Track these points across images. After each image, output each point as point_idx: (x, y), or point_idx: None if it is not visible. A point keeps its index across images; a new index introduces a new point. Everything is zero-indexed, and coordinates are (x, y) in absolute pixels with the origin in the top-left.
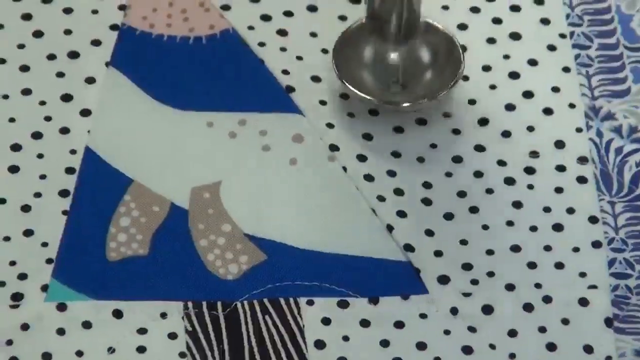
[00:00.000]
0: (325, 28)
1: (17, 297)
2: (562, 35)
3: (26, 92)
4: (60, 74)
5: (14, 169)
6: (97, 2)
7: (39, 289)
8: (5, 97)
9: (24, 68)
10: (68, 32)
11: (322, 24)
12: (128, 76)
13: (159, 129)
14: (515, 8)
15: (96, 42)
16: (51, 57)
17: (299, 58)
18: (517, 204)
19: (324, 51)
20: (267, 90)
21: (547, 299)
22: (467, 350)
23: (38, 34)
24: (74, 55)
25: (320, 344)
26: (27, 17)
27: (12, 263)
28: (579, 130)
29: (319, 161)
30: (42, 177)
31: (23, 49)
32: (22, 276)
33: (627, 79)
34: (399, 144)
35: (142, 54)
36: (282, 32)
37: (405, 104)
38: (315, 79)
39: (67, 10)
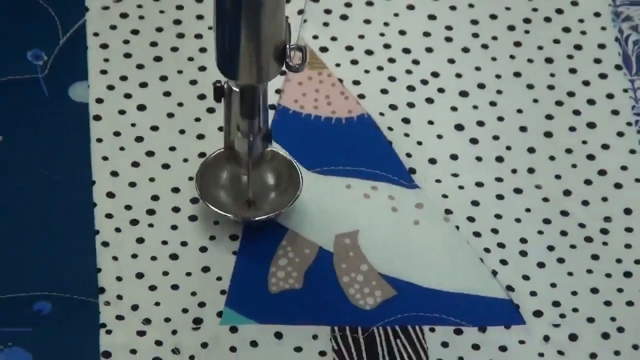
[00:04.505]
0: (439, 118)
1: (197, 321)
2: (629, 124)
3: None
4: None
5: (193, 218)
6: None
7: (215, 315)
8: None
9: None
10: None
11: (437, 114)
12: (282, 145)
13: (308, 189)
14: (591, 102)
15: None
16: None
17: (419, 143)
18: (595, 257)
19: (439, 136)
20: (394, 168)
21: (620, 330)
22: None
23: (210, 110)
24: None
25: None
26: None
27: (193, 294)
28: None
29: (437, 221)
30: (216, 222)
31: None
32: (202, 304)
33: None
34: (501, 208)
35: (294, 130)
36: (405, 120)
37: (258, 218)
38: (432, 161)
39: None
